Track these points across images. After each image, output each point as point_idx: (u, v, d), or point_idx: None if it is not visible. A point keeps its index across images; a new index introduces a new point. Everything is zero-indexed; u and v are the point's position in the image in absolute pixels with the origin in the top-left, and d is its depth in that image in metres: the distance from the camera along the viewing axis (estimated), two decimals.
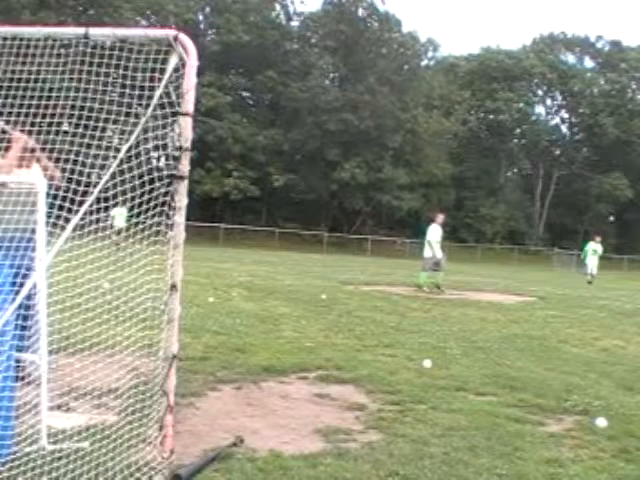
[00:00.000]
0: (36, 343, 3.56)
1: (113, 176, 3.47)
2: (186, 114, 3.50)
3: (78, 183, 3.52)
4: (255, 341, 7.44)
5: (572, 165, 60.55)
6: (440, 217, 16.97)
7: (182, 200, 3.52)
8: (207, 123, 40.75)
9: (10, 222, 3.50)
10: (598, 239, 27.43)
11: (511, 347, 8.28)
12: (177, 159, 3.51)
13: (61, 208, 3.50)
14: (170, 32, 3.52)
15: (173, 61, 3.46)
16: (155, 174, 3.59)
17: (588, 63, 64.11)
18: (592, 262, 26.58)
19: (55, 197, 3.52)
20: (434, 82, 54.59)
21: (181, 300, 3.62)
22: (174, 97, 3.49)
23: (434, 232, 16.52)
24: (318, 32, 51.57)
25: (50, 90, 3.76)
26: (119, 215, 21.08)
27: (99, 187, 3.40)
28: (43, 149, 3.64)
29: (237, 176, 44.76)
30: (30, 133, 3.70)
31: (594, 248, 26.91)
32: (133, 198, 3.54)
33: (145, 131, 3.55)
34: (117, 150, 3.52)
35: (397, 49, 51.51)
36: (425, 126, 49.98)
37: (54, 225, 3.52)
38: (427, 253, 16.56)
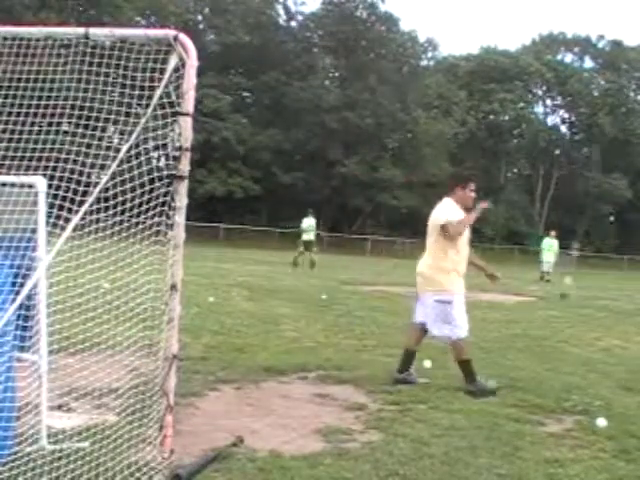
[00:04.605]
0: (36, 343, 3.55)
1: (113, 176, 3.46)
2: (186, 114, 3.49)
3: (78, 183, 3.52)
4: (255, 341, 7.44)
5: (572, 165, 60.52)
6: None
7: (182, 200, 3.52)
8: (209, 123, 40.71)
9: (10, 222, 3.49)
10: (553, 234, 26.28)
11: (511, 347, 8.28)
12: (177, 159, 3.51)
13: (61, 208, 3.49)
14: (170, 32, 3.51)
15: (173, 61, 3.46)
16: (155, 174, 3.58)
17: (588, 63, 64.19)
18: (547, 258, 25.58)
19: (55, 197, 3.52)
20: (434, 82, 54.55)
21: (181, 300, 3.62)
22: (174, 97, 3.49)
23: None
24: (318, 32, 51.55)
25: (50, 90, 3.75)
26: (308, 227, 22.12)
27: (99, 187, 3.40)
28: (43, 149, 3.64)
29: (238, 176, 44.77)
30: (30, 133, 3.70)
31: (550, 244, 25.91)
32: (133, 198, 3.53)
33: (145, 131, 3.55)
34: (117, 150, 3.52)
35: (397, 49, 51.48)
36: (425, 127, 49.94)
37: (54, 225, 3.52)
38: None
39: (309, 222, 23.17)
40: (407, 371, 5.97)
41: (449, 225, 5.78)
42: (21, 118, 3.69)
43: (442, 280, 5.83)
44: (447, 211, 5.92)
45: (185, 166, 3.52)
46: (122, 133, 3.75)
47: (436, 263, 5.86)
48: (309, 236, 22.89)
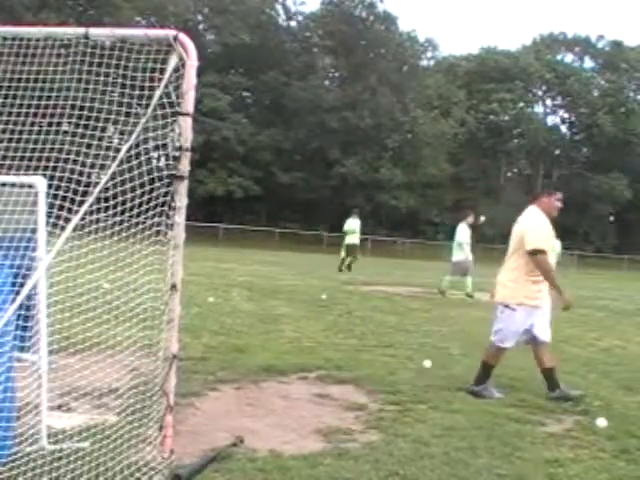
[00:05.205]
0: (36, 343, 3.55)
1: (113, 176, 3.46)
2: (186, 114, 3.50)
3: (78, 183, 3.52)
4: (255, 341, 7.44)
5: (572, 165, 60.51)
6: (470, 217, 15.44)
7: (182, 200, 3.52)
8: (207, 123, 40.69)
9: (10, 222, 3.49)
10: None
11: None
12: (177, 159, 3.51)
13: (61, 208, 3.49)
14: (170, 32, 3.52)
15: (173, 61, 3.46)
16: (155, 174, 3.58)
17: (588, 63, 64.22)
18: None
19: (55, 197, 3.52)
20: (433, 82, 54.56)
21: (181, 300, 3.62)
22: (174, 97, 3.49)
23: (464, 233, 15.10)
24: (318, 32, 51.58)
25: (50, 90, 3.75)
26: (348, 228, 21.33)
27: (99, 187, 3.40)
28: (43, 149, 3.64)
29: (238, 176, 44.81)
30: (30, 133, 3.70)
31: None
32: (133, 198, 3.53)
33: (145, 131, 3.55)
34: (117, 150, 3.52)
35: (396, 49, 51.50)
36: (424, 127, 49.96)
37: (54, 225, 3.52)
38: (458, 256, 15.00)
39: (353, 224, 20.79)
40: (559, 385, 5.79)
41: (541, 258, 5.74)
42: (21, 118, 3.69)
43: (532, 289, 5.76)
44: (538, 233, 5.86)
45: (185, 166, 3.52)
46: (122, 133, 3.75)
47: (526, 275, 5.78)
48: (353, 239, 20.62)
